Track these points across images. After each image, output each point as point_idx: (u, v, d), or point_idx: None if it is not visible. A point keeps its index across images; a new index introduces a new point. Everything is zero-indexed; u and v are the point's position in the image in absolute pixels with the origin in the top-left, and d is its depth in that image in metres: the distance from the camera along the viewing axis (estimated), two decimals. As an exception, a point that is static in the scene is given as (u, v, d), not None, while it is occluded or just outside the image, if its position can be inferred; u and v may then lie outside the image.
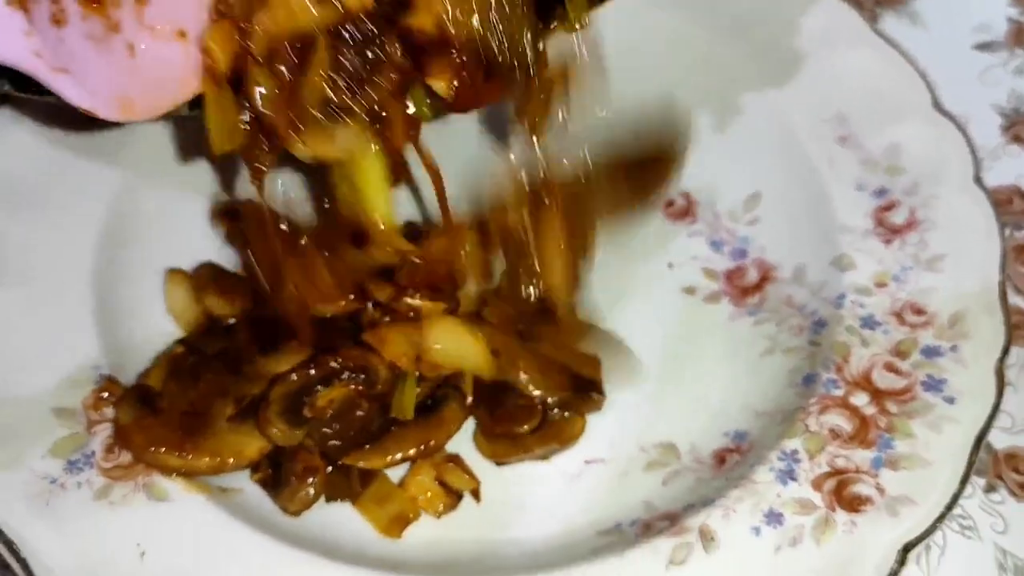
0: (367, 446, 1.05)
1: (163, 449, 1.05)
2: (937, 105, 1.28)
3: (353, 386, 1.04)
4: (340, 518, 1.08)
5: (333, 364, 1.03)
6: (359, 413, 1.05)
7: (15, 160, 1.26)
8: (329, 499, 1.08)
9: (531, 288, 1.07)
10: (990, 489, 1.15)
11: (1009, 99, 1.49)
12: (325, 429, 1.05)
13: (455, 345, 1.08)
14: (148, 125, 1.29)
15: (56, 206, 1.24)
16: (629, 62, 1.39)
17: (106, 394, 1.10)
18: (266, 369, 1.09)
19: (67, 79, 0.91)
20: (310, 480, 1.06)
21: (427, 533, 1.08)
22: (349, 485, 1.08)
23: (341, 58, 0.93)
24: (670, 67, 1.38)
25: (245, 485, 1.09)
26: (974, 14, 1.59)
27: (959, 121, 1.28)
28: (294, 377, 1.04)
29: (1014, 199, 1.38)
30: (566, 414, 1.09)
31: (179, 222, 1.27)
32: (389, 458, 1.06)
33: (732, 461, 1.11)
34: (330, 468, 1.08)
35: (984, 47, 1.55)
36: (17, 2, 0.90)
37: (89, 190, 1.26)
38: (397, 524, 1.07)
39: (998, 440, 1.16)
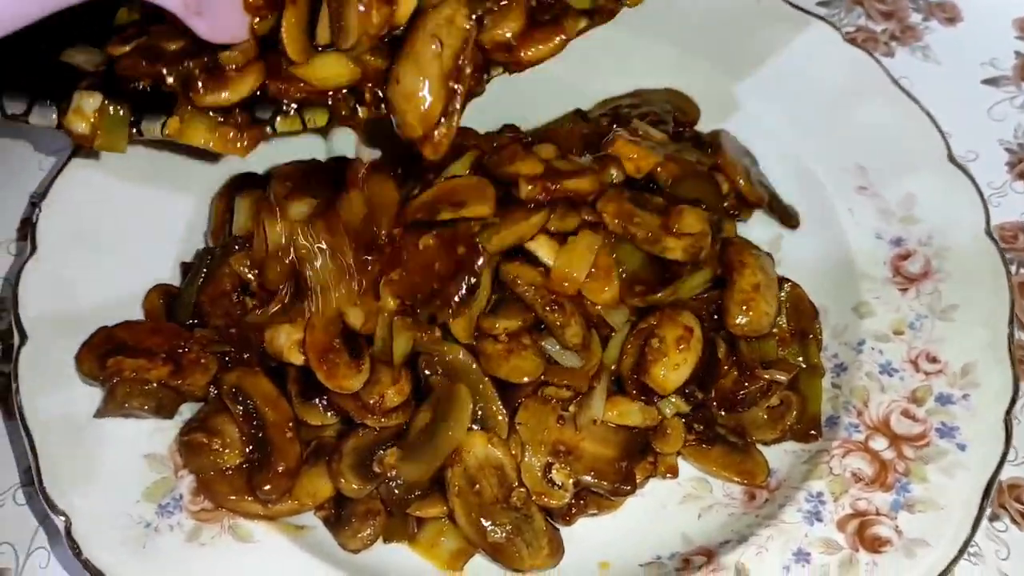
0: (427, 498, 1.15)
1: (246, 497, 1.14)
2: (951, 157, 1.36)
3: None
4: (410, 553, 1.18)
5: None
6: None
7: (83, 208, 1.33)
8: (387, 540, 1.18)
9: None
10: (994, 518, 1.25)
11: (1016, 135, 1.57)
12: (391, 484, 1.13)
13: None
14: (208, 173, 1.38)
15: (125, 251, 1.32)
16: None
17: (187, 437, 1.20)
18: (303, 416, 1.17)
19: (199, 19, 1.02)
20: (371, 522, 1.16)
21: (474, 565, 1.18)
22: (406, 528, 1.18)
23: None
24: (702, 115, 1.46)
25: (319, 523, 1.19)
26: (984, 48, 1.67)
27: (970, 171, 1.37)
28: (363, 432, 1.14)
29: (1020, 236, 1.47)
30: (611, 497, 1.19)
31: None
32: (446, 508, 1.15)
33: (762, 498, 1.21)
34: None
35: (992, 82, 1.63)
36: None
37: (159, 233, 1.35)
38: (459, 557, 1.17)
39: (1003, 471, 1.26)
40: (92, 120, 1.09)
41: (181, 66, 1.07)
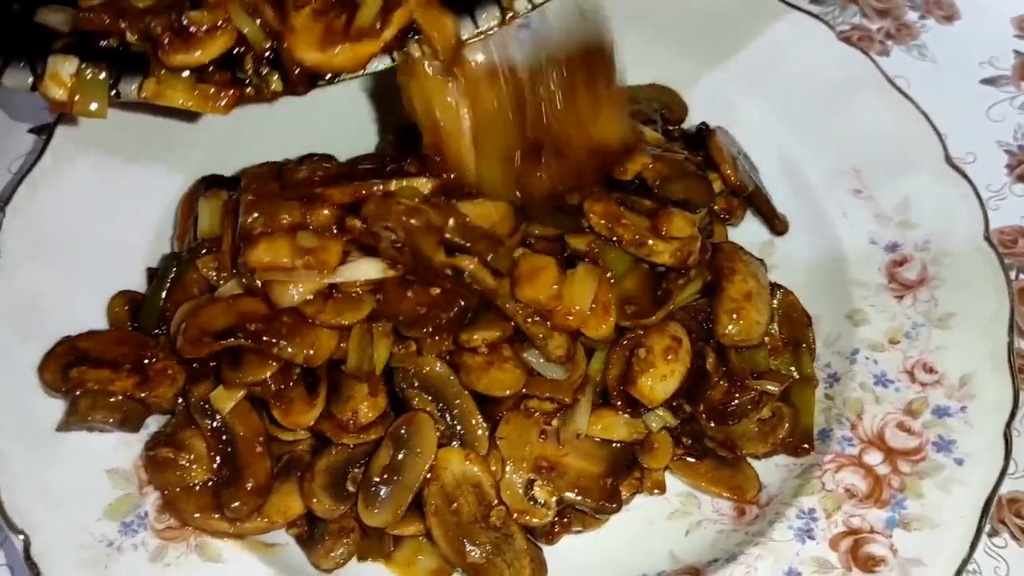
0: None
1: (214, 514, 1.09)
2: (948, 159, 1.32)
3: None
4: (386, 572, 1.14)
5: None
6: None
7: (48, 213, 1.28)
8: (362, 558, 1.13)
9: None
10: (993, 533, 1.21)
11: (1015, 136, 1.53)
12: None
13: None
14: (176, 178, 1.33)
15: (91, 257, 1.26)
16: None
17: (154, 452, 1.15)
18: (274, 430, 1.13)
19: None
20: (344, 540, 1.11)
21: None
22: (382, 546, 1.13)
23: None
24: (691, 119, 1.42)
25: (290, 540, 1.14)
26: (982, 47, 1.62)
27: (968, 173, 1.32)
28: (336, 450, 1.09)
29: (1019, 240, 1.43)
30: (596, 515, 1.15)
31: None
32: (423, 526, 1.10)
33: (751, 514, 1.17)
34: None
35: (991, 81, 1.59)
36: None
37: (127, 237, 1.29)
38: None
39: (1002, 485, 1.22)
40: (69, 85, 1.05)
41: (143, 24, 1.03)
